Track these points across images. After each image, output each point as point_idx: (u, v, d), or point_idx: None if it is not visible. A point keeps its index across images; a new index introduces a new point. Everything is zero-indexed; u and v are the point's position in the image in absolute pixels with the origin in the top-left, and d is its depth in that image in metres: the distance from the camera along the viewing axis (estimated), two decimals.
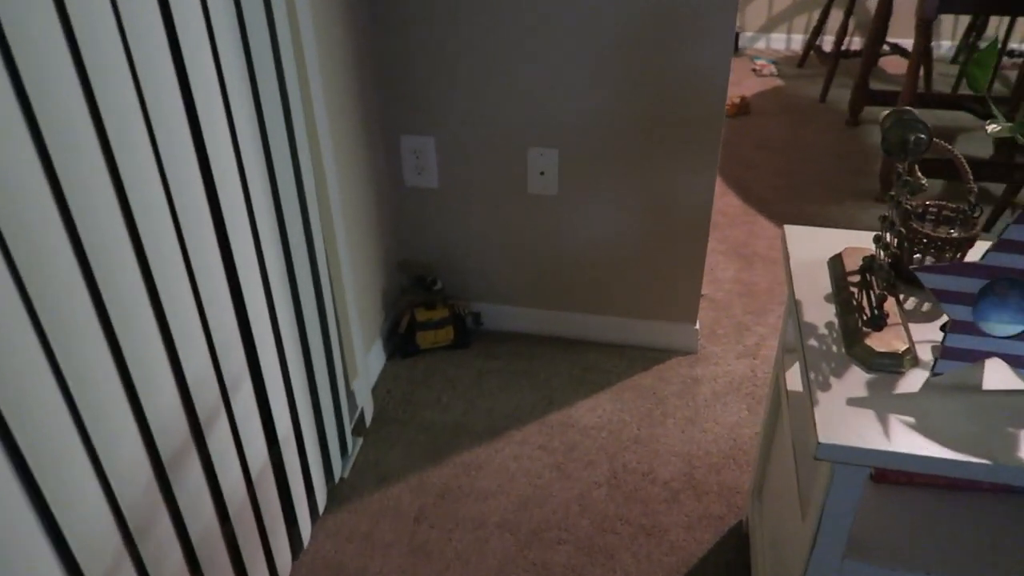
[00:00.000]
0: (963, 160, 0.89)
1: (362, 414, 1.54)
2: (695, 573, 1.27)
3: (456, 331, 1.75)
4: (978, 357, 0.76)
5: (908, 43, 3.50)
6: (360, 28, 1.46)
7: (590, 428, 1.55)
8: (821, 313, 0.88)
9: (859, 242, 1.00)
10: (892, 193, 0.83)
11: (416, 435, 1.54)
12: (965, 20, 3.69)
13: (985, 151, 2.70)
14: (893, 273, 0.83)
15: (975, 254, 0.92)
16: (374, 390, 1.66)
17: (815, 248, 0.99)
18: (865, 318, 0.83)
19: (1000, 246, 0.73)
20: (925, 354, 0.81)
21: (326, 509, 1.38)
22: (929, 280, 0.75)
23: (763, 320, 1.86)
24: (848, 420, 0.73)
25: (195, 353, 0.94)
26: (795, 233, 1.03)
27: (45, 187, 0.69)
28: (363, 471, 1.46)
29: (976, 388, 0.77)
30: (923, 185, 0.77)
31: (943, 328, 0.80)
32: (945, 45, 3.85)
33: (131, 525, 0.84)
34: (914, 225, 0.88)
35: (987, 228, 2.20)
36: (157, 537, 0.89)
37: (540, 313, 1.80)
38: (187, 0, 0.87)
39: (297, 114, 1.15)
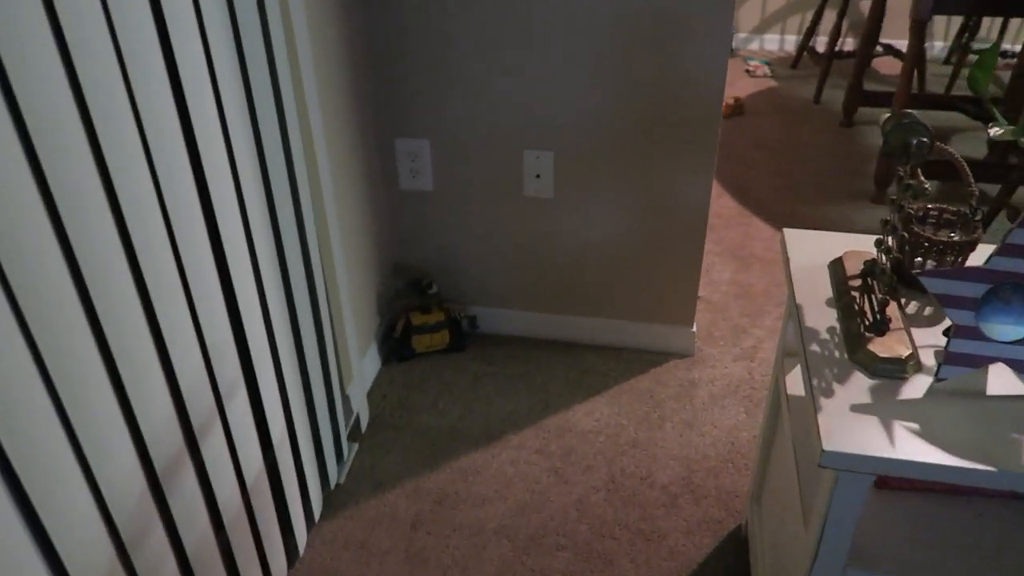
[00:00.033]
0: (963, 162, 0.89)
1: (357, 419, 1.53)
2: None
3: (452, 335, 1.74)
4: (982, 362, 0.76)
5: (901, 44, 3.51)
6: (355, 29, 1.45)
7: (587, 432, 1.54)
8: (822, 318, 0.87)
9: (859, 245, 0.99)
10: (894, 197, 0.82)
11: (412, 440, 1.53)
12: (957, 21, 3.71)
13: (979, 152, 2.71)
14: (895, 277, 0.82)
15: (976, 257, 0.91)
16: (369, 395, 1.64)
17: (815, 251, 0.99)
18: (867, 323, 0.82)
19: (1004, 250, 0.72)
20: (928, 359, 0.81)
21: (322, 516, 1.36)
22: (932, 285, 0.74)
23: (760, 322, 1.86)
24: (852, 427, 0.72)
25: (189, 360, 0.92)
26: (795, 236, 1.02)
27: (35, 193, 0.67)
28: (359, 477, 1.44)
29: (980, 394, 0.76)
30: (927, 189, 0.76)
31: (946, 333, 0.79)
32: (938, 46, 3.86)
33: (124, 536, 0.83)
34: (915, 229, 0.87)
35: (983, 229, 2.20)
36: (151, 547, 0.88)
37: (536, 316, 1.79)
38: (179, 1, 0.86)
39: (291, 116, 1.13)
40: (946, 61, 3.71)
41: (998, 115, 0.81)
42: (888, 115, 0.84)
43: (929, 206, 0.91)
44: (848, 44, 3.86)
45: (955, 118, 2.95)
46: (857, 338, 0.81)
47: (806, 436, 0.97)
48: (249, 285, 1.06)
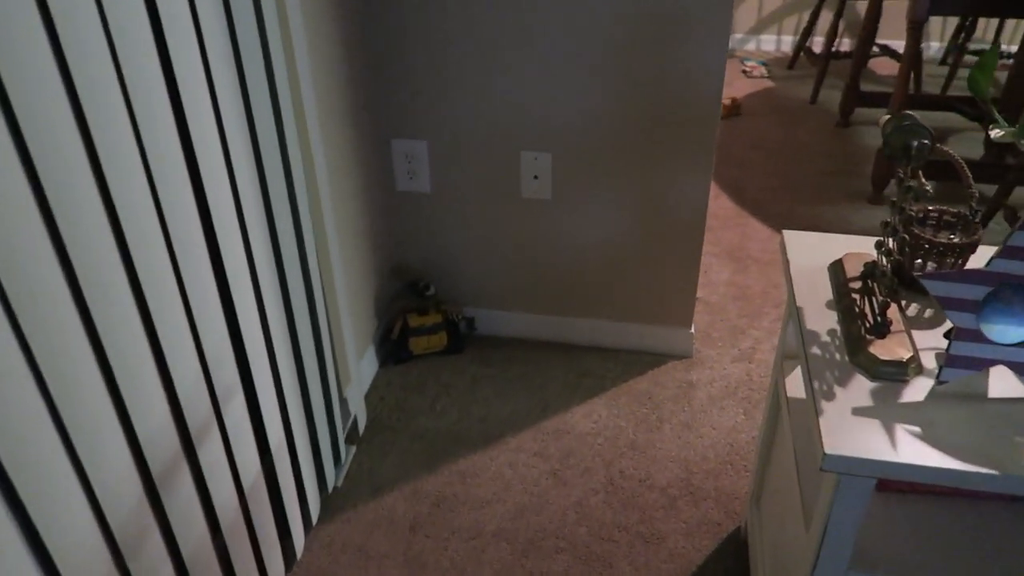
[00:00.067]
0: (963, 163, 0.89)
1: (355, 422, 1.52)
2: None
3: (449, 337, 1.73)
4: (983, 365, 0.75)
5: (897, 44, 3.52)
6: (352, 30, 1.44)
7: (586, 434, 1.54)
8: (823, 320, 0.87)
9: (859, 247, 0.99)
10: (894, 199, 0.82)
11: (410, 443, 1.52)
12: (953, 22, 3.71)
13: (975, 152, 2.71)
14: (896, 280, 0.82)
15: (976, 259, 0.91)
16: (367, 397, 1.64)
17: (815, 254, 0.98)
18: (868, 326, 0.82)
19: (1005, 253, 0.72)
20: (929, 361, 0.80)
21: (319, 519, 1.35)
22: (934, 287, 0.74)
23: (758, 323, 1.86)
24: (854, 430, 0.71)
25: (185, 363, 0.91)
26: (794, 238, 1.02)
27: (30, 198, 0.66)
28: (357, 480, 1.44)
29: (981, 396, 0.76)
30: (928, 191, 0.76)
31: (947, 335, 0.79)
32: (934, 47, 3.86)
33: (120, 541, 0.82)
34: (915, 230, 0.87)
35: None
36: (148, 553, 0.87)
37: (534, 318, 1.78)
38: (175, 2, 0.85)
39: (288, 117, 1.13)
40: (942, 62, 3.71)
41: (998, 117, 0.81)
42: (888, 117, 0.84)
43: (929, 208, 0.91)
44: (844, 45, 3.86)
45: (951, 119, 2.96)
46: (858, 341, 0.81)
47: (806, 438, 0.97)
48: (246, 288, 1.05)
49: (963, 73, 3.49)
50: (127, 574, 0.84)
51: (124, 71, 0.77)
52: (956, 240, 0.87)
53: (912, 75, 3.01)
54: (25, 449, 0.68)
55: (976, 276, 0.73)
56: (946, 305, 0.74)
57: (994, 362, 0.75)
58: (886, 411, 0.74)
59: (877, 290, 0.85)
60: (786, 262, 0.97)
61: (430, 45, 1.50)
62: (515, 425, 1.56)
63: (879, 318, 0.81)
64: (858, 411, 0.74)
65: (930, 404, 0.75)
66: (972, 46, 3.49)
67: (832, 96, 3.30)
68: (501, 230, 1.68)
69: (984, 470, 0.67)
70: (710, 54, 1.41)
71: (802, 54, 3.62)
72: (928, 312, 0.88)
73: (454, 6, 1.45)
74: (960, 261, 0.88)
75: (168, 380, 0.89)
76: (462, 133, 1.58)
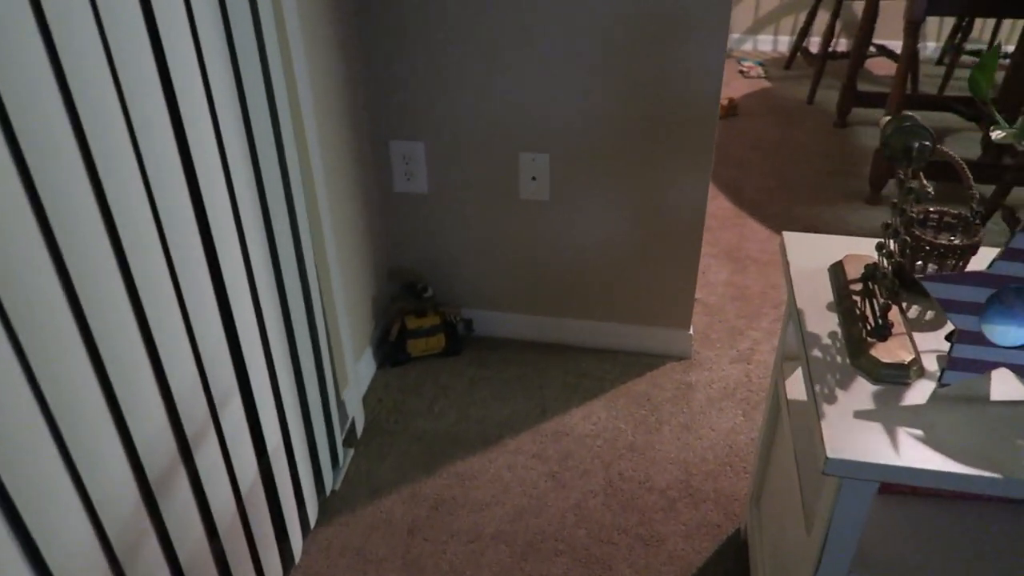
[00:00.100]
0: (963, 164, 0.88)
1: (353, 424, 1.52)
2: None
3: (447, 338, 1.73)
4: (986, 368, 0.75)
5: (894, 44, 3.52)
6: (349, 30, 1.44)
7: (585, 436, 1.53)
8: (824, 322, 0.86)
9: (859, 249, 0.99)
10: (895, 200, 0.81)
11: (408, 445, 1.51)
12: (950, 22, 3.72)
13: (972, 152, 2.71)
14: (897, 282, 0.82)
15: (977, 260, 0.91)
16: (365, 399, 1.63)
17: (814, 255, 0.98)
18: (869, 328, 0.81)
19: (1007, 255, 0.72)
20: (930, 364, 0.80)
21: (317, 523, 1.35)
22: (935, 289, 0.73)
23: (756, 324, 1.85)
24: (856, 434, 0.71)
25: (182, 367, 0.91)
26: (794, 240, 1.01)
27: (23, 198, 0.66)
28: (355, 483, 1.43)
29: (983, 399, 0.76)
30: (930, 193, 0.76)
31: (948, 338, 0.79)
32: (931, 47, 3.87)
33: (117, 549, 0.81)
34: (916, 232, 0.87)
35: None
36: (144, 559, 0.86)
37: (532, 319, 1.78)
38: (171, 2, 0.84)
39: (285, 118, 1.12)
40: (939, 62, 3.72)
41: (999, 118, 0.80)
42: (889, 118, 0.84)
43: (930, 209, 0.91)
44: (841, 45, 3.87)
45: (948, 119, 2.96)
46: (859, 343, 0.80)
47: (807, 441, 0.96)
48: (243, 291, 1.04)
49: (960, 73, 3.50)
50: None
51: (120, 73, 0.77)
52: (957, 242, 0.87)
53: (909, 75, 3.01)
54: (20, 456, 0.67)
55: (978, 278, 0.73)
56: (948, 308, 0.74)
57: (996, 365, 0.75)
58: (888, 414, 0.74)
59: (878, 292, 0.85)
60: (786, 264, 0.97)
61: (427, 46, 1.49)
62: (514, 427, 1.55)
63: (880, 320, 0.81)
64: (860, 414, 0.73)
65: (932, 407, 0.75)
66: (969, 46, 3.49)
67: (829, 96, 3.30)
68: (499, 231, 1.68)
69: (987, 474, 0.67)
70: (708, 55, 1.41)
71: (799, 54, 3.62)
72: (929, 314, 0.88)
73: (451, 7, 1.44)
74: (961, 263, 0.87)
75: (164, 384, 0.88)
76: (460, 134, 1.58)
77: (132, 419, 0.82)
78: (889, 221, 0.83)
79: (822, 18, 3.74)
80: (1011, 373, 0.78)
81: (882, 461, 0.68)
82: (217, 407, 1.00)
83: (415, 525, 1.34)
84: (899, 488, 0.88)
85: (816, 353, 0.82)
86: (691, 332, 1.72)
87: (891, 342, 0.80)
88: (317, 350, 1.32)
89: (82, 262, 0.73)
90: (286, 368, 1.21)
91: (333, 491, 1.41)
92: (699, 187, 1.55)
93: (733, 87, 3.43)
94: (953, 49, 3.27)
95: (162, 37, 0.83)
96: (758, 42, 3.97)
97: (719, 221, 2.32)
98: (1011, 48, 3.59)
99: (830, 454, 0.69)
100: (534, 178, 1.59)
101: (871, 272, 0.88)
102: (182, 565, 0.94)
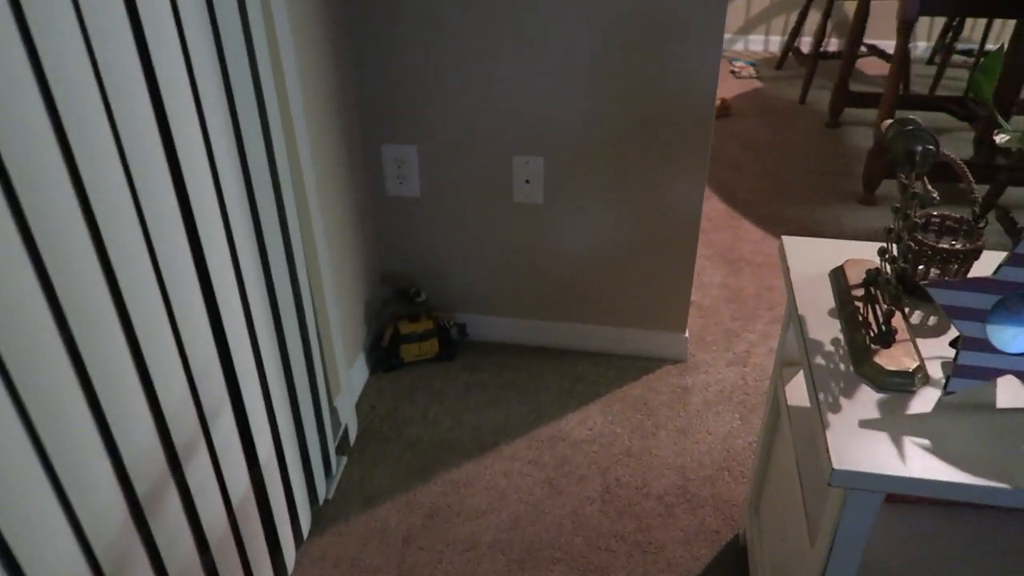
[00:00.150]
0: (965, 168, 0.87)
1: (346, 432, 1.50)
2: None
3: (441, 343, 1.71)
4: (992, 375, 0.74)
5: (885, 44, 3.52)
6: (339, 32, 1.42)
7: (581, 441, 1.52)
8: (826, 329, 0.85)
9: (859, 253, 0.98)
10: (897, 205, 0.80)
11: (402, 452, 1.49)
12: (940, 21, 3.72)
13: (965, 152, 2.72)
14: (900, 287, 0.80)
15: (979, 265, 0.90)
16: (357, 406, 1.61)
17: (814, 260, 0.97)
18: (872, 334, 0.80)
19: (1013, 260, 0.70)
20: (935, 371, 0.79)
21: (310, 533, 1.33)
22: (940, 296, 0.72)
23: (752, 326, 1.84)
24: (861, 444, 0.70)
25: (171, 379, 0.89)
26: (793, 245, 1.00)
27: (1, 202, 0.63)
28: (348, 492, 1.41)
29: (990, 407, 0.74)
30: (935, 198, 0.75)
31: (953, 344, 0.77)
32: (921, 46, 3.87)
33: (104, 566, 0.79)
34: (919, 237, 0.86)
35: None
36: None
37: (527, 323, 1.76)
38: (157, 5, 0.82)
39: (275, 122, 1.10)
40: (929, 61, 3.72)
41: (1002, 121, 0.79)
42: (890, 121, 0.82)
43: (932, 213, 0.89)
44: (832, 45, 3.87)
45: (940, 118, 2.96)
46: (863, 350, 0.79)
47: (810, 449, 0.95)
48: (233, 297, 1.02)
49: (951, 73, 3.51)
50: None
51: (103, 74, 0.74)
52: (959, 246, 0.86)
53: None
54: (3, 473, 0.65)
55: (984, 284, 0.71)
56: (953, 314, 0.73)
57: (1002, 372, 0.74)
58: (893, 423, 0.72)
59: (881, 298, 0.83)
60: (786, 269, 0.95)
61: (420, 48, 1.47)
62: (509, 433, 1.54)
63: (883, 327, 0.79)
64: (865, 423, 0.72)
65: (938, 415, 0.73)
66: (960, 46, 3.50)
67: (821, 96, 3.30)
68: (492, 235, 1.66)
69: (995, 484, 0.66)
70: (703, 57, 1.40)
71: (790, 54, 3.62)
72: (932, 319, 0.87)
73: (443, 8, 1.43)
74: (964, 267, 0.86)
75: (153, 395, 0.86)
76: (453, 137, 1.56)
77: (119, 432, 0.80)
78: (891, 226, 0.82)
79: (813, 18, 3.74)
80: (1017, 380, 0.77)
81: (889, 472, 0.67)
82: (207, 418, 0.98)
83: (410, 534, 1.32)
84: (904, 497, 0.87)
85: (819, 360, 0.80)
86: (687, 335, 1.71)
87: (895, 349, 0.78)
88: (309, 356, 1.30)
89: (66, 271, 0.71)
90: (278, 376, 1.19)
91: (326, 500, 1.39)
92: (694, 189, 1.53)
93: (725, 87, 3.42)
94: (944, 49, 3.27)
95: (147, 37, 0.81)
96: (749, 42, 3.97)
97: (713, 222, 2.31)
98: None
99: (836, 465, 0.68)
100: (528, 181, 1.58)
101: (873, 277, 0.87)
102: None
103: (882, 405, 0.74)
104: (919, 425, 0.72)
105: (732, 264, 2.10)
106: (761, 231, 2.26)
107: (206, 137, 0.94)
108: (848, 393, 0.76)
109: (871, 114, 3.08)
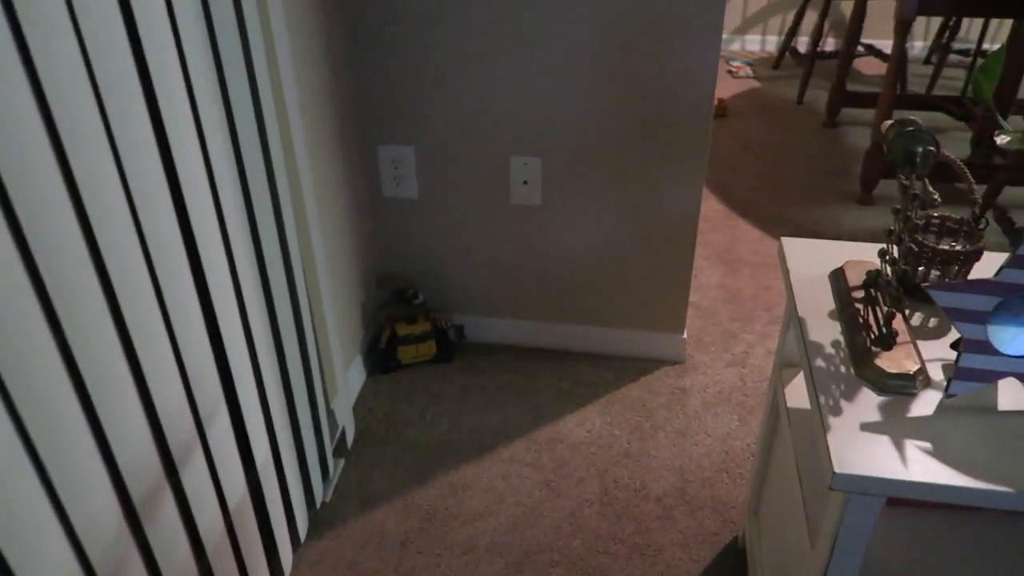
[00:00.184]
0: (966, 169, 0.87)
1: (343, 434, 1.49)
2: None
3: (438, 345, 1.70)
4: (993, 377, 0.73)
5: (882, 44, 3.52)
6: (336, 34, 1.41)
7: (579, 443, 1.51)
8: (826, 331, 0.84)
9: (858, 254, 0.97)
10: (898, 206, 0.80)
11: (400, 455, 1.49)
12: (937, 21, 3.73)
13: (962, 152, 2.72)
14: (901, 289, 0.80)
15: (980, 266, 0.89)
16: (355, 408, 1.60)
17: (814, 261, 0.96)
18: (873, 337, 0.79)
19: (1015, 262, 0.70)
20: (935, 373, 0.78)
21: (308, 536, 1.32)
22: (942, 298, 0.72)
23: (750, 327, 1.84)
24: (863, 447, 0.69)
25: (167, 382, 0.88)
26: (793, 246, 0.99)
27: None
28: (345, 495, 1.40)
29: (991, 409, 0.74)
30: (936, 199, 0.74)
31: (954, 346, 0.77)
32: (918, 46, 3.88)
33: (99, 572, 0.78)
34: (920, 239, 0.85)
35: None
36: None
37: (525, 325, 1.75)
38: (152, 5, 0.81)
39: (271, 124, 1.09)
40: (926, 61, 3.73)
41: (1003, 122, 0.79)
42: (890, 122, 0.82)
43: (932, 214, 0.89)
44: (829, 44, 3.87)
45: (937, 118, 2.96)
46: (863, 353, 0.78)
47: (810, 451, 0.94)
48: (229, 300, 1.01)
49: (948, 72, 3.51)
50: None
51: (97, 77, 0.74)
52: (960, 247, 0.85)
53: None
54: None
55: (985, 286, 0.71)
56: (954, 316, 0.72)
57: (1003, 374, 0.74)
58: (895, 426, 0.72)
59: (881, 300, 0.83)
60: (786, 271, 0.95)
61: (417, 48, 1.47)
62: (507, 435, 1.53)
63: (884, 329, 0.79)
64: (866, 427, 0.72)
65: (939, 418, 0.73)
66: (956, 45, 3.50)
67: (818, 96, 3.30)
68: (490, 236, 1.65)
69: (997, 487, 0.65)
70: (702, 57, 1.39)
71: (787, 54, 3.62)
72: (933, 321, 0.86)
73: (441, 9, 1.42)
74: (964, 269, 0.86)
75: (148, 399, 0.85)
76: (450, 138, 1.55)
77: (114, 436, 0.79)
78: (891, 227, 0.82)
79: (810, 18, 3.74)
80: (1018, 382, 0.77)
81: (890, 476, 0.67)
82: (203, 421, 0.97)
83: (408, 537, 1.32)
84: (905, 500, 0.86)
85: (819, 363, 0.80)
86: (685, 336, 1.71)
87: (896, 351, 0.78)
88: (306, 359, 1.29)
89: (61, 276, 0.70)
90: (274, 378, 1.18)
91: (324, 503, 1.38)
92: (692, 190, 1.53)
93: (722, 87, 3.42)
94: (941, 48, 3.27)
95: (142, 38, 0.80)
96: (746, 42, 3.97)
97: (710, 223, 2.30)
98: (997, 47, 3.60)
99: (837, 469, 0.67)
100: (525, 182, 1.57)
101: (873, 279, 0.86)
102: None
103: (883, 408, 0.74)
104: (920, 428, 0.72)
105: (730, 264, 2.09)
106: (759, 231, 2.25)
107: (202, 138, 0.93)
108: (849, 396, 0.75)
109: (868, 114, 3.08)
